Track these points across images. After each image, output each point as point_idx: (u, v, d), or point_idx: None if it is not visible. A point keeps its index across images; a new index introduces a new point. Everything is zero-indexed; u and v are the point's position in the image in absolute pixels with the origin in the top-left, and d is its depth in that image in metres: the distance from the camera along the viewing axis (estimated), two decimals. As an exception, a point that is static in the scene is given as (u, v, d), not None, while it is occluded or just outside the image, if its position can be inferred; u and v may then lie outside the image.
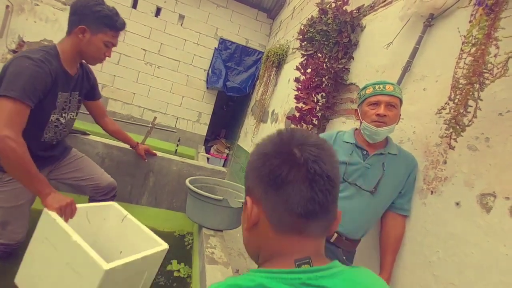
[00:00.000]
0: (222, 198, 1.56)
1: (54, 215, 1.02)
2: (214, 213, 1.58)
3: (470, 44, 0.94)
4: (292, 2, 4.12)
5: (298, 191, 0.42)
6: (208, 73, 4.91)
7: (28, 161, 1.06)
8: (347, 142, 1.26)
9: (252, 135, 4.16)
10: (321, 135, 1.35)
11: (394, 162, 1.21)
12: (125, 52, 4.52)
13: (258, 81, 4.43)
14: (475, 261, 0.94)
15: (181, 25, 4.77)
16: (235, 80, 4.92)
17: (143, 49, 4.63)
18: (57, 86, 1.20)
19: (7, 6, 3.78)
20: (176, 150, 5.18)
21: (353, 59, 2.04)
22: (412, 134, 1.34)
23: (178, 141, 5.01)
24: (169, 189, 2.00)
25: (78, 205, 1.15)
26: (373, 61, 1.80)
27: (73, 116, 1.39)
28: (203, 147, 4.96)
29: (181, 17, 4.75)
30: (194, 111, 5.05)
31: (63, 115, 1.31)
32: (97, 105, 1.58)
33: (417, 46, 1.43)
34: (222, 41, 4.93)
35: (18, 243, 1.32)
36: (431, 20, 1.39)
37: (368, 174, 1.18)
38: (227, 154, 5.71)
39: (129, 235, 1.23)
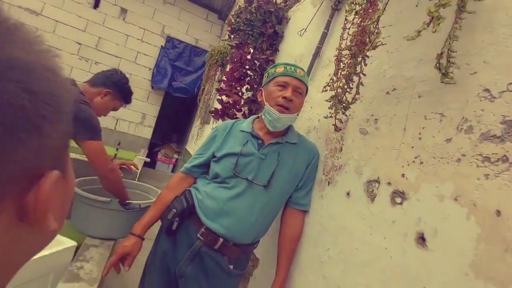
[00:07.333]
0: (109, 199, 1.31)
1: None
2: (99, 218, 1.32)
3: (354, 12, 0.85)
4: (239, 2, 4.04)
5: None
6: (153, 72, 4.61)
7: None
8: (243, 131, 1.10)
9: (196, 137, 3.93)
10: (218, 125, 1.19)
11: (292, 151, 1.07)
12: (54, 44, 4.05)
13: (203, 81, 4.24)
14: (359, 257, 0.81)
15: (123, 20, 4.44)
16: (183, 81, 4.68)
17: (78, 43, 4.21)
18: None
19: None
20: (116, 154, 4.75)
21: (279, 51, 1.95)
22: (317, 122, 1.24)
23: (118, 144, 4.59)
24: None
25: None
26: (292, 50, 1.71)
27: None
28: (143, 150, 4.57)
29: (124, 10, 4.43)
30: (138, 112, 4.68)
31: None
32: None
33: (326, 31, 1.35)
34: (170, 40, 4.68)
35: None
36: (338, 4, 1.32)
37: (263, 166, 1.03)
38: (176, 159, 5.39)
39: None
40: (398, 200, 0.74)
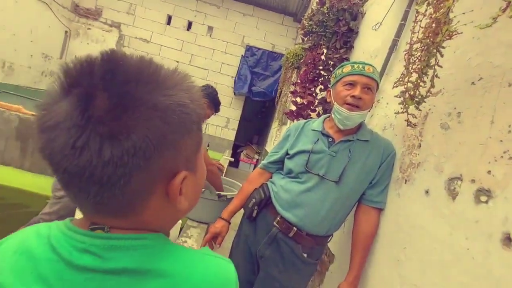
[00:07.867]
0: (203, 189, 1.58)
1: None
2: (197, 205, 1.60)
3: (425, 3, 0.82)
4: (312, 5, 4.05)
5: None
6: (235, 80, 5.07)
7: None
8: (314, 130, 1.17)
9: (274, 138, 4.13)
10: (290, 125, 1.29)
11: (365, 149, 1.08)
12: (160, 64, 4.94)
13: (279, 84, 4.41)
14: (438, 258, 0.78)
15: (210, 36, 5.05)
16: (262, 85, 4.98)
17: (176, 61, 5.01)
18: None
19: (66, 32, 4.49)
20: (206, 154, 5.42)
21: (353, 48, 1.91)
22: (394, 119, 1.19)
23: (208, 146, 5.23)
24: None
25: None
26: (367, 46, 1.67)
27: None
28: (227, 151, 5.06)
29: (210, 28, 5.04)
30: (223, 117, 5.22)
31: None
32: None
33: (403, 22, 1.28)
34: (249, 48, 5.06)
35: None
36: (417, -8, 1.24)
37: (333, 163, 1.08)
38: (257, 159, 5.75)
39: None
40: (483, 198, 0.69)
